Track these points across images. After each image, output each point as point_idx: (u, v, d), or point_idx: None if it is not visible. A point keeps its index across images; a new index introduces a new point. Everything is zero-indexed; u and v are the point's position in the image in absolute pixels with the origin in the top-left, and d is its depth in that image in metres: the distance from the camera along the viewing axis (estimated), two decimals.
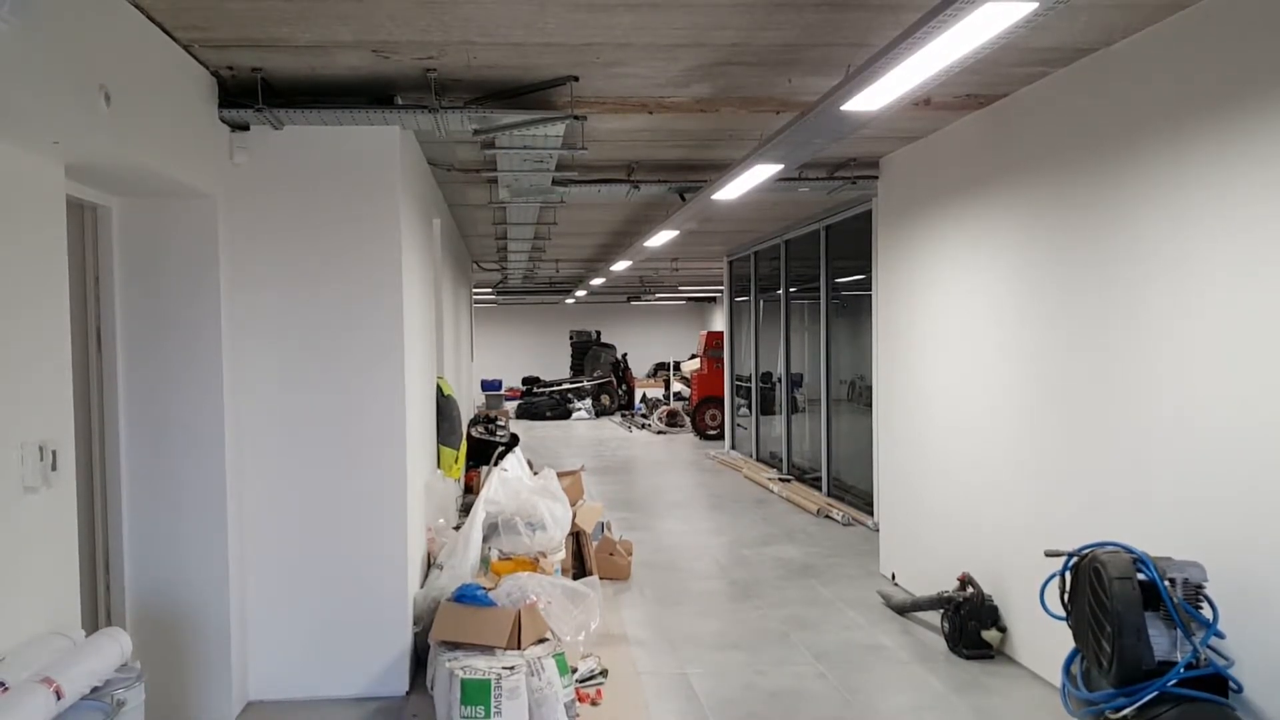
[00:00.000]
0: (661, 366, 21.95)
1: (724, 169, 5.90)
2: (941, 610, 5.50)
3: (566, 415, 21.04)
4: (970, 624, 5.24)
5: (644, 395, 21.76)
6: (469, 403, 13.12)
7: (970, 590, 5.31)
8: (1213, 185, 3.66)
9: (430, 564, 5.70)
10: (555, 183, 6.56)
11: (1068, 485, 4.63)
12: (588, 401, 21.56)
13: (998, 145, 5.28)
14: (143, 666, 3.24)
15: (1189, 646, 3.34)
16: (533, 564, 5.66)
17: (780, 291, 11.92)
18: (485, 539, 5.73)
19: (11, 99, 2.71)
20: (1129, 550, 3.54)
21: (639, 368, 23.37)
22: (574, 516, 6.50)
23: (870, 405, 8.13)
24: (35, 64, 2.79)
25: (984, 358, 5.48)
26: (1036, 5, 2.89)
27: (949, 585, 5.50)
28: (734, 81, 4.71)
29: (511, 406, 21.17)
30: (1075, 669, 3.77)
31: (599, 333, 25.18)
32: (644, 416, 19.66)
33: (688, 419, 17.89)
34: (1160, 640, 3.37)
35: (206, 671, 4.45)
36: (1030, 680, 4.93)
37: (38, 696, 2.66)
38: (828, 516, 9.17)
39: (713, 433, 16.32)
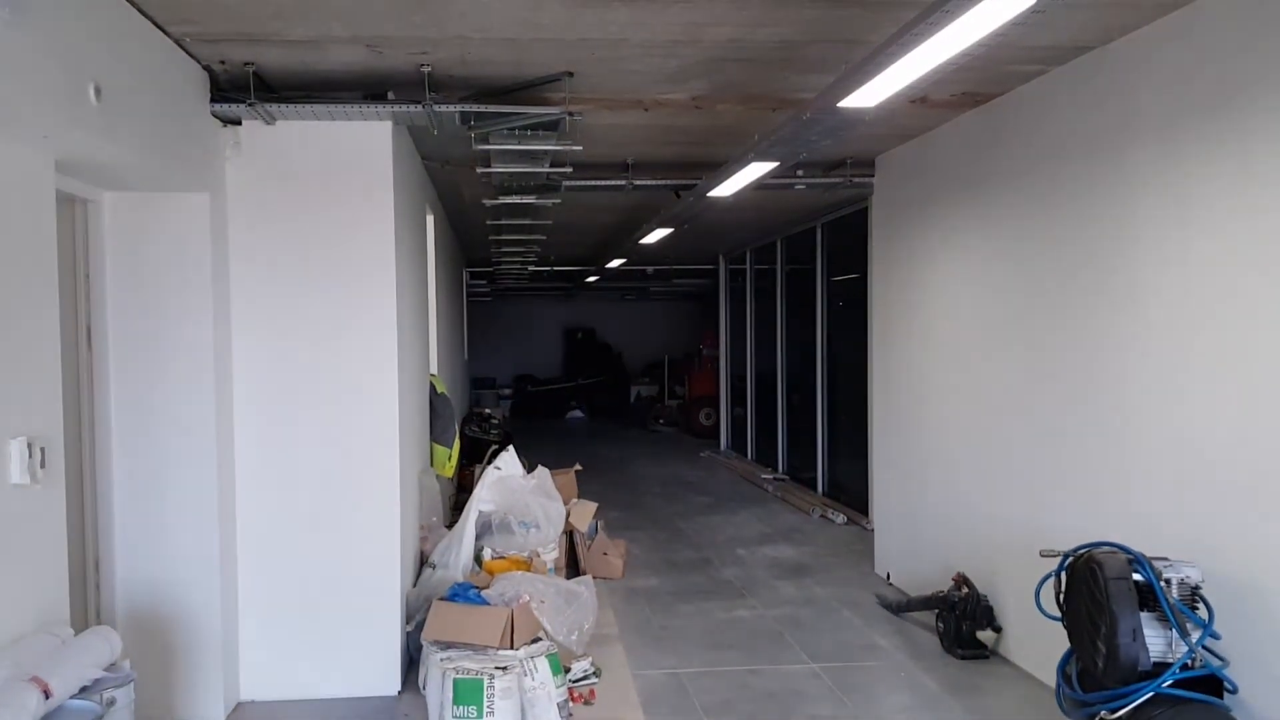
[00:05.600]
0: (655, 365, 21.88)
1: (720, 167, 5.88)
2: (936, 610, 5.49)
3: (560, 413, 21.00)
4: (965, 624, 5.24)
5: (638, 393, 21.71)
6: (462, 400, 13.08)
7: (965, 590, 5.30)
8: (1210, 184, 3.65)
9: (423, 562, 5.68)
10: (550, 179, 6.53)
11: (1064, 484, 4.62)
12: (582, 399, 21.52)
13: (995, 143, 5.27)
14: (132, 665, 3.21)
15: (1184, 647, 3.33)
16: (526, 563, 5.64)
17: (777, 290, 11.91)
18: (478, 537, 5.71)
19: (2, 92, 2.69)
20: (1125, 550, 3.53)
21: (634, 365, 23.32)
22: (567, 515, 6.48)
23: (865, 403, 8.12)
24: (26, 57, 2.77)
25: (980, 357, 5.47)
26: (1034, 1, 2.88)
27: (944, 585, 5.49)
28: (730, 79, 4.69)
29: (505, 405, 21.11)
30: (1070, 669, 3.75)
31: (594, 330, 25.13)
32: (639, 414, 19.63)
33: (683, 417, 17.86)
34: (1155, 641, 3.36)
35: (197, 671, 4.42)
36: (1025, 681, 4.92)
37: (26, 696, 2.64)
38: (823, 516, 9.17)
39: (708, 431, 16.30)
